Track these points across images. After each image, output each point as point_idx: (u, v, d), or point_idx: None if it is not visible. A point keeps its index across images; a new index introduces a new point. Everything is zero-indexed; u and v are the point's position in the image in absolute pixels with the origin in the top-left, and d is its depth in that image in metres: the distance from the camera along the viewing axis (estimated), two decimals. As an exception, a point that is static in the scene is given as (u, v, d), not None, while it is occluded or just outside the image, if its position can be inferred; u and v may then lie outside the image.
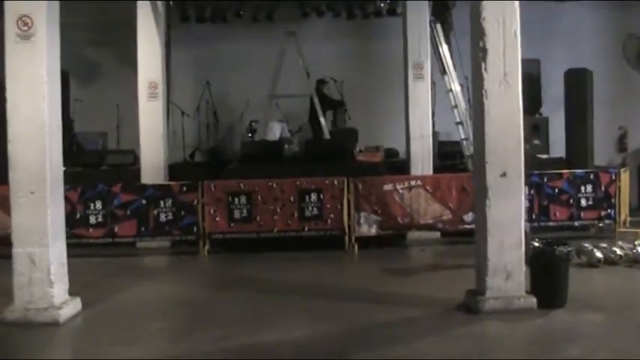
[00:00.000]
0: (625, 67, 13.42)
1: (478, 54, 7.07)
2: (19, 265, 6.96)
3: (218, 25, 13.97)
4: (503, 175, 7.01)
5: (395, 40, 12.50)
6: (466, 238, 9.85)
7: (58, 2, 7.21)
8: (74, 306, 7.26)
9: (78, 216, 10.65)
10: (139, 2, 11.31)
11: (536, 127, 12.64)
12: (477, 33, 7.06)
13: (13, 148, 6.98)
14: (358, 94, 14.13)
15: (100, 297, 7.92)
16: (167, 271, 10.40)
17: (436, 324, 6.76)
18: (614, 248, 9.11)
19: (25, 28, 6.90)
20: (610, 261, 8.93)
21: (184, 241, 11.12)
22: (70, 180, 10.55)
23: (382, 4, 13.33)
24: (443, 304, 7.28)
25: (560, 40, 14.21)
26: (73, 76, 13.23)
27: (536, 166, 11.70)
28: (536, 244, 7.29)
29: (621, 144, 14.79)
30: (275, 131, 13.12)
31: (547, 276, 7.02)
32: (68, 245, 10.08)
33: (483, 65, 7.02)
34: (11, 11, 6.91)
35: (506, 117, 7.04)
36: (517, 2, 7.03)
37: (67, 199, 10.23)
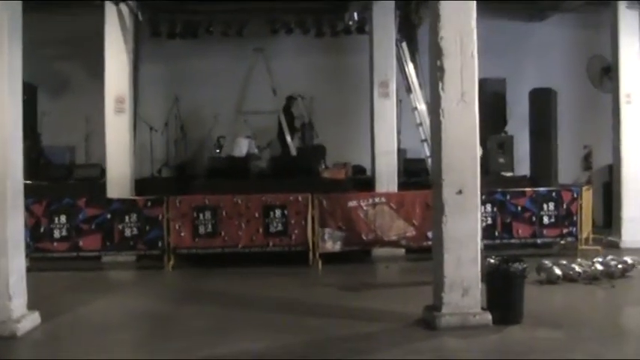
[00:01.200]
0: (590, 87, 13.66)
1: (436, 73, 7.20)
2: (-24, 277, 6.95)
3: (188, 41, 14.01)
4: (460, 192, 7.13)
5: (364, 58, 12.65)
6: (430, 255, 9.93)
7: (20, 16, 7.24)
8: (33, 320, 7.24)
9: (42, 229, 10.61)
10: (107, 17, 11.35)
11: (501, 145, 12.83)
12: (435, 52, 7.20)
13: (-26, 162, 6.98)
14: (327, 111, 14.28)
15: (61, 310, 7.90)
16: (131, 285, 10.37)
17: (394, 338, 6.85)
18: (574, 265, 9.27)
19: (-17, 40, 6.93)
20: (569, 278, 9.09)
21: (149, 256, 11.11)
22: (36, 193, 10.61)
23: (351, 22, 13.43)
24: (402, 320, 7.39)
25: (526, 60, 14.48)
26: (41, 89, 13.26)
27: (502, 184, 11.92)
28: (492, 260, 7.36)
29: (586, 162, 15.06)
30: (242, 147, 13.17)
31: (502, 292, 7.13)
32: (32, 259, 10.13)
33: (441, 84, 7.16)
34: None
35: (463, 135, 7.16)
36: (474, 22, 7.18)
37: (31, 212, 10.40)
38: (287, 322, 7.47)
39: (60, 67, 14.22)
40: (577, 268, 9.21)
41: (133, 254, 11.16)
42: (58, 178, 12.33)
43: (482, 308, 7.08)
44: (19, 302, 7.12)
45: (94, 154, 13.78)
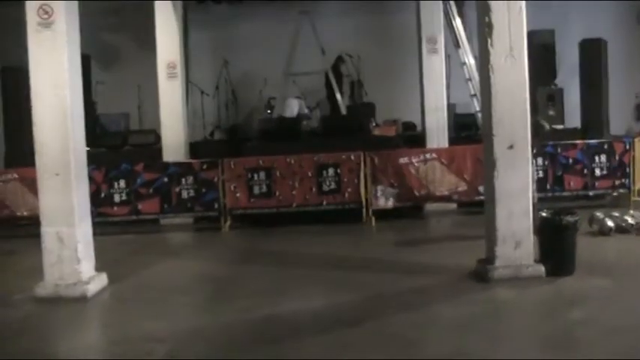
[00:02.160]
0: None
1: (484, 29, 7.20)
2: (48, 243, 7.32)
3: (234, 5, 14.16)
4: (511, 147, 7.18)
5: (410, 15, 12.64)
6: (482, 209, 10.00)
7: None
8: (101, 281, 7.63)
9: (103, 195, 11.00)
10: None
11: (551, 98, 12.75)
12: (483, 8, 7.19)
13: (38, 134, 7.31)
14: (375, 69, 14.27)
15: (125, 273, 8.25)
16: (190, 247, 10.73)
17: (447, 291, 7.00)
18: (626, 217, 9.24)
19: (46, 16, 7.18)
20: (621, 229, 9.08)
21: (206, 218, 11.45)
22: (94, 160, 10.95)
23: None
24: (456, 273, 7.53)
25: (574, 10, 14.20)
26: (94, 59, 13.55)
27: (549, 138, 11.83)
28: (544, 213, 7.42)
29: (638, 112, 14.78)
30: (293, 108, 13.32)
31: (555, 244, 7.21)
32: (94, 224, 10.52)
33: (489, 40, 7.16)
34: (32, 0, 7.19)
35: (512, 91, 7.18)
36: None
37: (91, 179, 10.67)
38: (342, 279, 7.66)
39: (110, 36, 14.58)
40: (630, 220, 9.19)
41: (190, 216, 11.49)
42: (114, 145, 12.71)
43: (535, 260, 7.16)
44: (87, 266, 7.50)
45: (147, 120, 14.13)
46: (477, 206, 10.81)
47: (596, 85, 12.46)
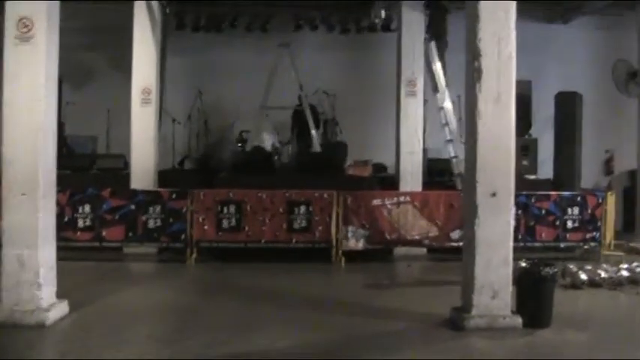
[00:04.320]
0: (613, 91, 13.58)
1: (473, 74, 7.16)
2: (7, 266, 6.94)
3: (212, 35, 14.07)
4: (493, 194, 7.09)
5: (388, 55, 12.63)
6: (452, 255, 10.07)
7: (58, 4, 7.25)
8: (61, 309, 7.25)
9: (66, 219, 10.61)
10: (136, 8, 11.33)
11: (525, 148, 12.78)
12: (473, 53, 7.16)
13: (7, 150, 6.98)
14: (349, 107, 14.27)
15: (87, 300, 7.88)
16: (155, 277, 10.35)
17: (421, 337, 6.84)
18: (599, 271, 9.23)
19: (25, 29, 6.93)
20: (594, 283, 9.05)
21: (171, 249, 11.11)
22: (59, 182, 10.54)
23: (377, 20, 13.38)
24: (428, 319, 7.37)
25: (551, 62, 14.44)
26: (65, 79, 13.19)
27: (525, 187, 11.83)
28: (523, 264, 7.33)
29: (607, 167, 14.99)
30: (266, 142, 13.16)
31: (533, 296, 7.10)
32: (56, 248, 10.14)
33: (478, 85, 7.13)
34: (11, 13, 6.94)
35: (498, 137, 7.15)
36: (513, 23, 7.14)
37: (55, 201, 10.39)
38: (311, 319, 7.42)
39: (84, 57, 14.25)
40: (602, 274, 9.17)
41: (155, 246, 11.14)
42: (81, 168, 12.35)
43: (512, 311, 7.04)
44: (48, 292, 7.12)
45: (115, 145, 13.81)
46: (447, 252, 10.88)
47: (570, 137, 12.56)
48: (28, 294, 6.93)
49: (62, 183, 10.61)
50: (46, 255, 7.13)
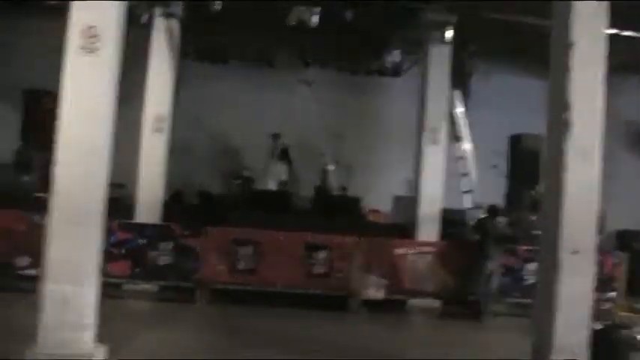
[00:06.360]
0: (614, 150, 13.68)
1: (559, 127, 6.85)
2: (49, 304, 6.11)
3: (216, 66, 13.44)
4: (576, 252, 6.75)
5: (390, 101, 12.37)
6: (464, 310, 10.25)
7: (125, 14, 6.55)
8: (101, 354, 6.40)
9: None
10: (154, 34, 10.64)
11: (534, 203, 12.58)
12: (560, 106, 6.86)
13: (59, 173, 6.21)
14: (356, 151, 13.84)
15: (115, 346, 7.00)
16: (170, 318, 9.38)
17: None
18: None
19: (92, 39, 6.21)
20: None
21: (172, 287, 10.27)
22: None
23: (388, 65, 13.10)
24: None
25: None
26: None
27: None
28: (600, 325, 7.00)
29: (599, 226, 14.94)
30: (280, 174, 12.53)
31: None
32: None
33: (565, 138, 6.81)
34: (77, 19, 6.21)
35: (584, 192, 6.84)
36: (602, 76, 6.88)
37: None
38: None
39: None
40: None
41: (162, 284, 10.27)
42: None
43: (586, 375, 6.68)
44: (90, 335, 6.30)
45: (114, 173, 12.85)
46: (460, 305, 10.49)
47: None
48: (70, 337, 6.11)
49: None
50: (92, 293, 6.32)
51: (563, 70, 6.85)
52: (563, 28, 6.92)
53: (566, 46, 6.82)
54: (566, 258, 6.73)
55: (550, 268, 6.81)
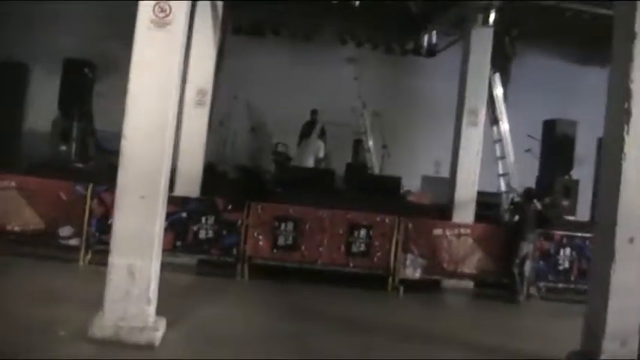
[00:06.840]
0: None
1: (621, 116, 6.88)
2: (115, 276, 6.22)
3: (259, 41, 13.40)
4: (631, 240, 6.81)
5: (428, 81, 12.32)
6: (499, 291, 10.47)
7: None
8: (162, 327, 6.51)
9: (110, 222, 9.71)
10: (199, 7, 10.56)
11: (567, 188, 12.63)
12: (622, 95, 6.89)
13: (128, 146, 6.27)
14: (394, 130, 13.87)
15: (172, 318, 7.09)
16: (217, 293, 9.34)
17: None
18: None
19: (162, 14, 6.24)
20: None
21: (212, 262, 10.31)
22: (92, 180, 9.83)
23: (425, 44, 13.05)
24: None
25: (601, 105, 14.36)
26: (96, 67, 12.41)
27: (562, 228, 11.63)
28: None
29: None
30: (318, 150, 12.53)
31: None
32: (96, 252, 9.33)
33: (625, 128, 6.85)
34: (148, -4, 6.24)
35: (642, 182, 6.86)
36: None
37: (101, 200, 9.59)
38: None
39: (113, 46, 13.28)
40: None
41: (204, 258, 10.29)
42: (114, 167, 11.38)
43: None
44: (153, 308, 6.40)
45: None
46: (495, 287, 10.58)
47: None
48: (135, 309, 6.21)
49: (102, 182, 9.85)
50: (157, 267, 6.41)
51: (626, 59, 6.87)
52: (627, 19, 6.92)
53: (630, 36, 6.83)
54: (621, 246, 6.80)
55: (606, 256, 6.87)
